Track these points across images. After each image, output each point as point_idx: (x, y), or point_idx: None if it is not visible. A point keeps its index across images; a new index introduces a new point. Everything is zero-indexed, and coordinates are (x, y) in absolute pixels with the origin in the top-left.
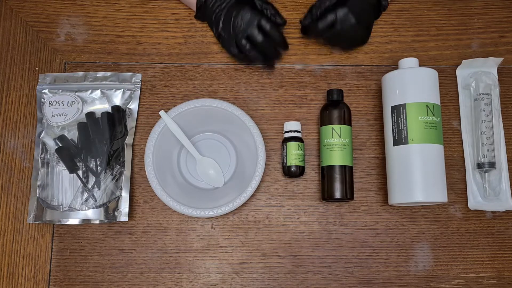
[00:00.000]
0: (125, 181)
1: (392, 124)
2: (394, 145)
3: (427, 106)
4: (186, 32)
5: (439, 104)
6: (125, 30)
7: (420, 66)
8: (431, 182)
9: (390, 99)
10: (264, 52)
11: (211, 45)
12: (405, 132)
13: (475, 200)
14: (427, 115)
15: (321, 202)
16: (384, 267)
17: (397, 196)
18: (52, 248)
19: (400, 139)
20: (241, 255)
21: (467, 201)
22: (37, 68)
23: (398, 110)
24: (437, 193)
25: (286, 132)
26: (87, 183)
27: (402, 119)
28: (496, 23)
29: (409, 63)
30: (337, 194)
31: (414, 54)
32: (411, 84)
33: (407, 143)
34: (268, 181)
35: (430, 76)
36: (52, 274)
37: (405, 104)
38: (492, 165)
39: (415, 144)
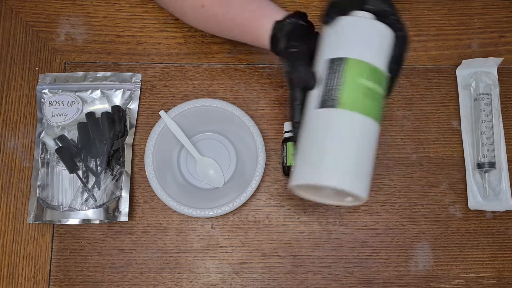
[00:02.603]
0: (125, 181)
1: (325, 80)
2: (320, 107)
3: (372, 69)
4: (186, 32)
5: (386, 75)
6: (125, 30)
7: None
8: (351, 166)
9: (330, 49)
10: None
11: (211, 45)
12: (336, 92)
13: (475, 200)
14: (370, 80)
15: None
16: (384, 267)
17: (302, 174)
18: (52, 248)
19: (327, 100)
20: (241, 255)
21: (467, 201)
22: (37, 68)
23: (336, 64)
24: (355, 182)
25: (286, 132)
26: (87, 183)
27: (337, 76)
28: (496, 23)
29: (364, 13)
30: None
31: (414, 53)
32: (362, 37)
33: (335, 107)
34: (268, 181)
35: (386, 37)
36: (52, 274)
37: (346, 58)
38: (492, 165)
39: (345, 110)
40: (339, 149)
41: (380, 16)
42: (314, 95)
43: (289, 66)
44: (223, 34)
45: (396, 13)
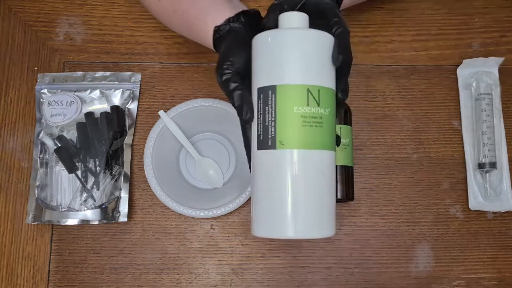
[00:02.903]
0: (124, 182)
1: (258, 115)
2: (258, 149)
3: (308, 91)
4: None
5: (333, 88)
6: (124, 29)
7: (313, 28)
8: (307, 212)
9: (258, 77)
10: None
11: None
12: (272, 130)
13: (476, 200)
14: (308, 105)
15: None
16: (384, 268)
17: (261, 227)
18: (51, 249)
19: (265, 140)
20: (241, 255)
21: (468, 202)
22: (36, 68)
23: (266, 95)
24: (315, 228)
25: None
26: (86, 183)
27: (270, 110)
28: (497, 22)
29: (293, 21)
30: (338, 195)
31: (414, 53)
32: (289, 55)
33: (275, 148)
34: None
35: (320, 44)
36: (51, 275)
37: (275, 86)
38: (493, 165)
39: (287, 149)
40: (288, 196)
41: (319, 13)
42: (254, 132)
43: (225, 93)
44: (179, 32)
45: (335, 9)
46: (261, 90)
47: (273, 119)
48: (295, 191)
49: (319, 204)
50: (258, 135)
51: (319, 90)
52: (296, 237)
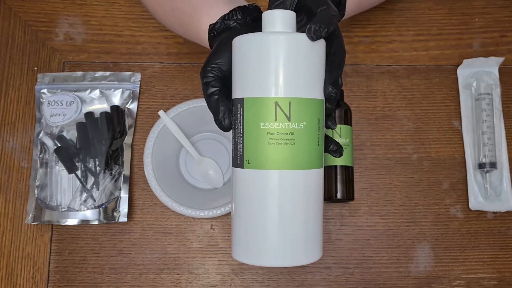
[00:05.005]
0: (124, 182)
1: (232, 130)
2: (232, 165)
3: (276, 104)
4: None
5: (315, 97)
6: (124, 29)
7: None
8: (281, 237)
9: (233, 86)
10: None
11: None
12: (240, 147)
13: (476, 200)
14: (276, 120)
15: None
16: (384, 268)
17: (242, 252)
18: (50, 249)
19: (236, 158)
20: None
21: (468, 202)
22: (36, 68)
23: (236, 108)
24: (296, 255)
25: None
26: (86, 183)
27: (239, 125)
28: (497, 22)
29: (271, 22)
30: (338, 195)
31: (414, 53)
32: (256, 64)
33: (243, 167)
34: None
35: (297, 49)
36: (51, 275)
37: (242, 99)
38: (493, 165)
39: (252, 170)
40: (262, 218)
41: (309, 12)
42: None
43: (204, 97)
44: (177, 32)
45: (328, 10)
46: (234, 102)
47: (241, 135)
48: (264, 215)
49: (292, 229)
50: (231, 151)
51: (289, 103)
52: (272, 265)
